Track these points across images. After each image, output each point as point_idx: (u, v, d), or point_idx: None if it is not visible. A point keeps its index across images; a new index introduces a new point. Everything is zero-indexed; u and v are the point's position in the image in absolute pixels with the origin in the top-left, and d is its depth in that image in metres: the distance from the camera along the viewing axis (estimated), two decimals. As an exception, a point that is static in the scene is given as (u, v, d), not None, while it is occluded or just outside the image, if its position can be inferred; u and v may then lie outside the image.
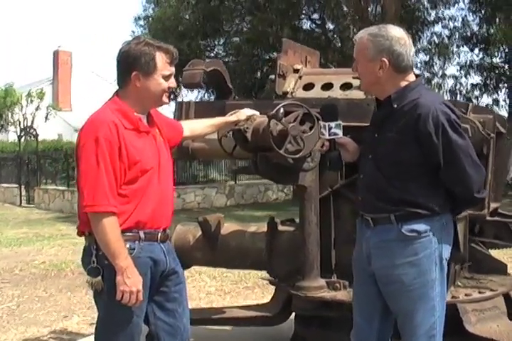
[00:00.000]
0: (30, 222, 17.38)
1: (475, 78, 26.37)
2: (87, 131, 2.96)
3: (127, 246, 2.93)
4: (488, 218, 3.85)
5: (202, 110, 4.34)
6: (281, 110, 3.33)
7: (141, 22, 28.17)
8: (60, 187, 21.42)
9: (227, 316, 4.44)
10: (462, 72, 24.80)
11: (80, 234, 3.09)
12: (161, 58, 3.04)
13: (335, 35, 25.05)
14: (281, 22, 23.10)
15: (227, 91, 4.68)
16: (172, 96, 28.88)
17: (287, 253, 4.08)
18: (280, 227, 4.22)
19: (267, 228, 4.20)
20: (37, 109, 27.28)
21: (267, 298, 7.55)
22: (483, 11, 21.82)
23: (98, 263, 2.95)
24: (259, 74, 26.07)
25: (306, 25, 26.22)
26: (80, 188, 2.93)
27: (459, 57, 24.86)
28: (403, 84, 3.00)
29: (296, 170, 3.65)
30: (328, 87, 4.24)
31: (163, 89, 3.08)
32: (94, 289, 2.99)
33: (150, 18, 27.14)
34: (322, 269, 3.86)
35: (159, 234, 3.08)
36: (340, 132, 3.15)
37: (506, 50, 23.25)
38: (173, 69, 3.12)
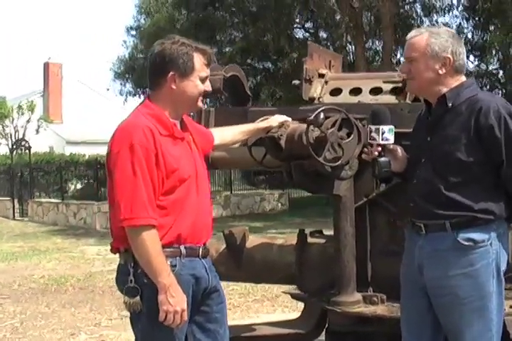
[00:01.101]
0: (24, 236, 17.21)
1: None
2: (120, 138, 2.76)
3: (168, 262, 2.72)
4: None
5: (222, 117, 4.14)
6: (322, 115, 3.14)
7: (133, 32, 28.13)
8: (54, 200, 21.30)
9: (257, 334, 4.23)
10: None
11: (115, 251, 2.87)
12: (198, 59, 2.86)
13: (328, 44, 24.96)
14: (274, 31, 23.00)
15: (246, 98, 4.50)
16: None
17: (319, 266, 3.90)
18: (310, 239, 4.03)
19: (297, 240, 4.01)
20: (28, 122, 27.01)
21: (278, 312, 7.47)
22: (477, 18, 21.82)
23: (136, 282, 2.74)
24: (252, 83, 25.96)
25: (300, 34, 26.19)
26: (115, 200, 2.71)
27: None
28: (456, 84, 2.93)
29: (333, 178, 3.45)
30: (356, 91, 4.06)
31: (200, 92, 2.89)
32: (132, 310, 2.77)
33: (141, 28, 27.06)
34: (357, 283, 3.66)
35: (200, 249, 2.87)
36: (392, 137, 2.97)
37: (501, 57, 23.26)
38: (209, 71, 2.93)
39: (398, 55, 25.21)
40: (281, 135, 3.34)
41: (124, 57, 28.64)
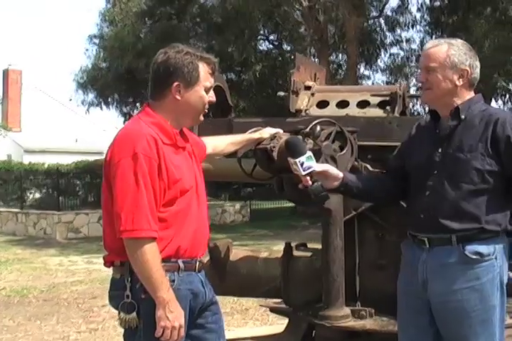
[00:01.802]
0: (-17, 246, 16.81)
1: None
2: (122, 146, 2.64)
3: (166, 277, 2.64)
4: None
5: (207, 128, 4.09)
6: (318, 128, 3.11)
7: (96, 40, 27.89)
8: (13, 209, 20.89)
9: (243, 349, 4.18)
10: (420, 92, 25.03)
11: (108, 264, 2.77)
12: (203, 68, 2.78)
13: (292, 57, 25.07)
14: (238, 42, 23.03)
15: (228, 109, 4.47)
16: (128, 117, 28.78)
17: (305, 280, 3.87)
18: (295, 253, 4.00)
19: (283, 253, 3.97)
20: (-14, 129, 26.60)
21: (250, 325, 7.41)
22: (440, 33, 22.13)
23: (133, 298, 2.64)
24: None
25: (264, 46, 26.28)
26: (115, 211, 2.60)
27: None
28: (468, 97, 2.97)
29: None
30: (343, 104, 4.06)
31: (204, 103, 2.81)
32: (128, 326, 2.67)
33: (105, 37, 26.85)
34: (345, 296, 3.64)
35: (197, 263, 2.80)
36: (313, 163, 2.91)
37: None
38: (213, 81, 2.86)
39: (362, 69, 25.49)
40: (273, 147, 3.28)
41: (87, 67, 28.35)
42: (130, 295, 2.65)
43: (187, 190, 2.74)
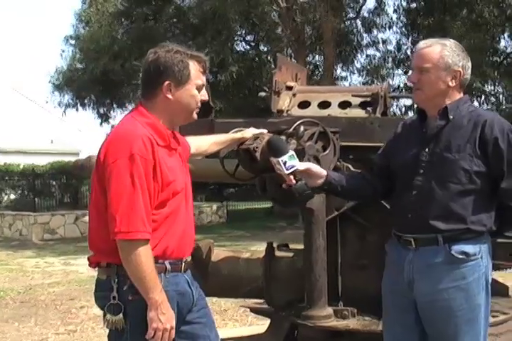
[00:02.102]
0: (-48, 248, 16.64)
1: (409, 100, 26.84)
2: (119, 146, 2.61)
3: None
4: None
5: (188, 128, 4.07)
6: (302, 128, 3.11)
7: (72, 41, 27.65)
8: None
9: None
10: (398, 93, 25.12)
11: (94, 265, 2.75)
12: (194, 67, 2.76)
13: (268, 57, 25.07)
14: (215, 43, 22.96)
15: (209, 109, 4.45)
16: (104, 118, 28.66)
17: (288, 280, 3.87)
18: (277, 253, 4.00)
19: (265, 254, 3.97)
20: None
21: (229, 326, 7.38)
22: (417, 35, 22.23)
23: (120, 299, 2.63)
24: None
25: (240, 46, 26.23)
26: (110, 212, 2.57)
27: (393, 80, 25.20)
28: (457, 98, 2.99)
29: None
30: (325, 105, 4.06)
31: (196, 101, 2.80)
32: (114, 328, 2.64)
33: (81, 38, 26.65)
34: (328, 296, 3.65)
35: (183, 264, 2.79)
36: (296, 162, 2.91)
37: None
38: (204, 79, 2.84)
39: (338, 70, 25.54)
40: (256, 147, 3.28)
41: (63, 68, 28.12)
42: (117, 296, 2.63)
43: (178, 192, 2.73)
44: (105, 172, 2.61)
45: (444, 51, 2.91)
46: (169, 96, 2.73)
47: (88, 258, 2.77)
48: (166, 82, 2.72)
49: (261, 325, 5.70)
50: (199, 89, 2.81)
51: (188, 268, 2.85)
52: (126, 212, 2.54)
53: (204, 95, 2.85)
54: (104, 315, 2.67)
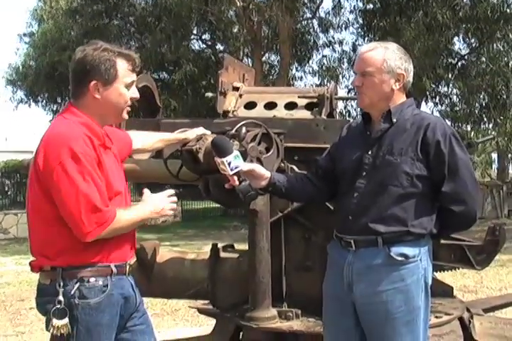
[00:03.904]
0: None
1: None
2: (58, 148, 2.53)
3: (99, 282, 2.60)
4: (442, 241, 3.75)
5: (134, 128, 4.04)
6: (244, 129, 3.10)
7: (27, 39, 27.29)
8: None
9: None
10: (351, 94, 25.25)
11: (36, 270, 2.69)
12: (122, 65, 2.71)
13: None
14: (170, 42, 22.82)
15: (156, 109, 4.42)
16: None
17: (232, 282, 3.86)
18: (222, 254, 3.98)
19: (210, 255, 3.95)
20: None
21: (179, 326, 7.34)
22: (372, 36, 22.33)
23: (65, 304, 2.57)
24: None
25: (196, 45, 26.12)
26: (69, 213, 2.53)
27: (348, 81, 25.30)
28: (401, 101, 3.00)
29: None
30: (271, 106, 4.06)
31: (126, 100, 2.75)
32: (60, 333, 2.58)
33: (35, 35, 26.29)
34: (272, 298, 3.64)
35: (127, 267, 2.76)
36: (241, 163, 2.89)
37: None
38: (135, 76, 2.79)
39: (294, 70, 25.56)
40: (199, 148, 3.27)
41: (16, 64, 27.73)
42: (63, 300, 2.58)
43: (120, 192, 2.71)
44: (51, 175, 2.54)
45: (386, 54, 2.93)
46: (97, 96, 2.69)
47: (30, 263, 2.72)
48: (93, 82, 2.67)
49: (212, 325, 5.68)
50: (128, 87, 2.75)
51: (131, 271, 2.82)
52: (88, 209, 2.52)
53: (134, 93, 2.80)
54: (48, 321, 2.61)
